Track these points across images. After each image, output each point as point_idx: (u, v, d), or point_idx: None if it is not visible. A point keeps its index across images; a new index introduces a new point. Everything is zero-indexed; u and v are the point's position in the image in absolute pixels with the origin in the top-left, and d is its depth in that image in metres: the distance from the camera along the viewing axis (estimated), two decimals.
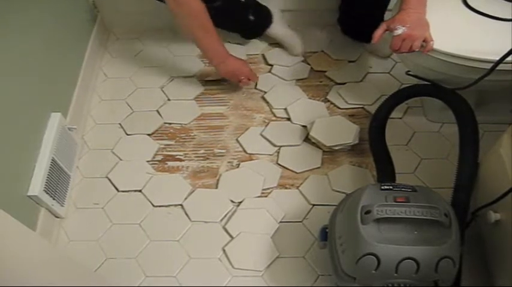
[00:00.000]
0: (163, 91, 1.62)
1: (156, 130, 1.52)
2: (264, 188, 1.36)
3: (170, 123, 1.53)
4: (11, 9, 1.17)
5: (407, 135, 1.45)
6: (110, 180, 1.40)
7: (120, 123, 1.53)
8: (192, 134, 1.50)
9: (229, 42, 1.71)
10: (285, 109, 1.53)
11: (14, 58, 1.17)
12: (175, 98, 1.60)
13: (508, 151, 1.02)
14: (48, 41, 1.36)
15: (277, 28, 1.67)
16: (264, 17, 1.65)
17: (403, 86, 1.54)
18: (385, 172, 1.23)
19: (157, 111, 1.56)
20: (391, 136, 1.31)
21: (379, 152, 1.27)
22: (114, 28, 1.83)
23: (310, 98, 1.57)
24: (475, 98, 1.36)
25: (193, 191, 1.36)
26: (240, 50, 1.70)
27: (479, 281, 1.15)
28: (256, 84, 1.62)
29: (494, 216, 1.04)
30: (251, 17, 1.60)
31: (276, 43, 1.73)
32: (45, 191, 1.20)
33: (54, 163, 1.25)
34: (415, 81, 1.30)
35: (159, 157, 1.45)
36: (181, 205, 1.34)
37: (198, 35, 1.39)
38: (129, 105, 1.59)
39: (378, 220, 0.95)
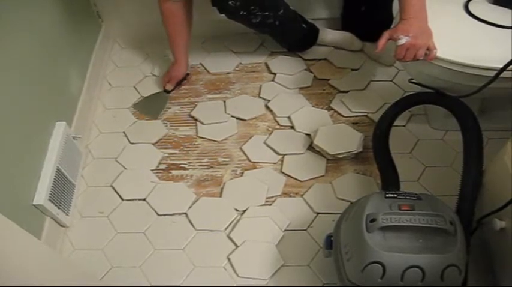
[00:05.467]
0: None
1: (160, 139, 1.52)
2: (268, 196, 1.36)
3: (174, 132, 1.54)
4: (15, 19, 1.18)
5: (411, 143, 1.46)
6: (114, 189, 1.40)
7: (124, 132, 1.54)
8: (196, 143, 1.51)
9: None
10: (289, 117, 1.54)
11: (19, 68, 1.18)
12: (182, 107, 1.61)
13: None
14: (53, 51, 1.37)
15: (327, 33, 1.71)
16: (312, 25, 1.69)
17: (407, 93, 1.54)
18: (390, 180, 1.22)
19: (162, 120, 1.57)
20: (395, 144, 1.31)
21: (383, 160, 1.27)
22: (118, 38, 1.84)
23: (313, 106, 1.57)
24: (479, 106, 1.36)
25: (198, 199, 1.37)
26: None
27: None
28: (259, 93, 1.63)
29: (499, 223, 1.03)
30: (304, 25, 1.65)
31: (280, 52, 1.74)
32: (50, 200, 1.20)
33: (59, 172, 1.26)
34: (419, 89, 1.31)
35: (163, 166, 1.45)
36: (185, 213, 1.34)
37: (166, 31, 1.56)
38: (133, 114, 1.60)
39: (383, 228, 0.95)
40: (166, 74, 1.66)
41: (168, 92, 1.64)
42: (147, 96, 1.65)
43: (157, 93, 1.65)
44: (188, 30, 1.57)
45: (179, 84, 1.65)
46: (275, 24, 1.54)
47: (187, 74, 1.67)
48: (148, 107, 1.61)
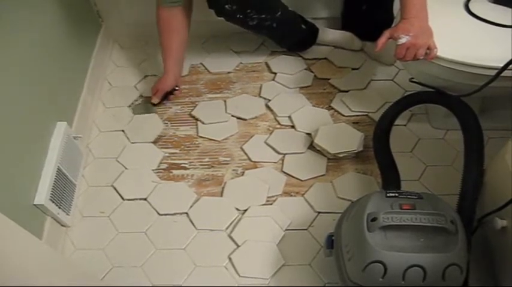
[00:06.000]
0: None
1: (161, 138, 1.52)
2: (269, 196, 1.36)
3: (175, 132, 1.54)
4: (15, 19, 1.18)
5: (411, 142, 1.46)
6: (115, 188, 1.40)
7: (124, 132, 1.54)
8: (197, 142, 1.51)
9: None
10: (289, 117, 1.54)
11: (20, 68, 1.18)
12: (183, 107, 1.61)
13: None
14: (54, 51, 1.37)
15: (327, 32, 1.71)
16: (312, 25, 1.69)
17: (407, 93, 1.54)
18: (390, 179, 1.22)
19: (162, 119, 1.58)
20: (395, 143, 1.31)
21: (384, 160, 1.27)
22: (119, 37, 1.84)
23: (314, 106, 1.57)
24: (479, 105, 1.36)
25: (199, 199, 1.37)
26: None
27: None
28: (260, 92, 1.63)
29: (500, 223, 1.03)
30: (303, 26, 1.65)
31: (280, 52, 1.74)
32: (51, 200, 1.20)
33: (59, 172, 1.26)
34: (419, 88, 1.31)
35: (164, 166, 1.45)
36: (186, 213, 1.34)
37: (160, 39, 1.55)
38: (134, 113, 1.60)
39: (384, 228, 0.95)
40: (154, 85, 1.61)
41: (154, 105, 1.60)
42: (136, 104, 1.62)
43: (145, 103, 1.62)
44: (183, 41, 1.55)
45: (166, 97, 1.60)
46: (272, 27, 1.54)
47: (176, 88, 1.60)
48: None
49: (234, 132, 1.52)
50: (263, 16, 1.50)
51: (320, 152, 1.44)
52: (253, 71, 1.71)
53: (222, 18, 1.50)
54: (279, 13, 1.52)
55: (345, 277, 1.02)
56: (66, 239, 1.30)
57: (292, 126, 1.52)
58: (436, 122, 1.48)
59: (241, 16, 1.47)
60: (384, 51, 1.23)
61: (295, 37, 1.69)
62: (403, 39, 1.14)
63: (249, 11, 1.46)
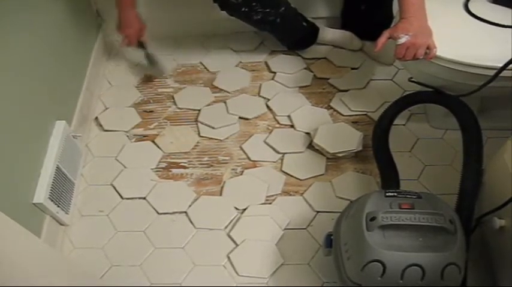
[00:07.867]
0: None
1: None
2: (268, 195, 1.36)
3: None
4: (15, 18, 1.18)
5: (410, 141, 1.46)
6: (114, 187, 1.40)
7: (124, 131, 1.54)
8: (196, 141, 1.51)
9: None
10: (289, 116, 1.54)
11: (19, 66, 1.18)
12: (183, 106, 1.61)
13: None
14: (53, 50, 1.37)
15: (327, 31, 1.71)
16: (313, 24, 1.69)
17: (406, 92, 1.54)
18: (390, 178, 1.23)
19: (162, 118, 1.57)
20: (394, 143, 1.31)
21: (383, 159, 1.27)
22: (118, 36, 1.83)
23: (313, 105, 1.58)
24: (479, 105, 1.36)
25: (198, 198, 1.37)
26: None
27: None
28: (259, 92, 1.63)
29: (499, 222, 1.03)
30: (304, 24, 1.66)
31: (280, 51, 1.74)
32: (50, 199, 1.20)
33: (59, 171, 1.26)
34: (418, 88, 1.31)
35: (163, 164, 1.45)
36: (185, 212, 1.34)
37: None
38: (135, 112, 1.60)
39: (383, 227, 0.95)
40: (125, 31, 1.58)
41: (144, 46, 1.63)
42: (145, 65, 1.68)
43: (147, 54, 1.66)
44: None
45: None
46: (276, 22, 1.54)
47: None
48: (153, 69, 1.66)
49: (234, 132, 1.52)
50: (267, 10, 1.50)
51: (319, 151, 1.44)
52: (253, 70, 1.71)
53: (222, 16, 1.51)
54: (283, 8, 1.53)
55: (344, 276, 1.02)
56: (64, 238, 1.30)
57: (292, 126, 1.52)
58: (435, 121, 1.48)
59: (246, 9, 1.48)
60: (383, 51, 1.23)
61: (297, 35, 1.69)
62: (403, 39, 1.14)
63: (254, 4, 1.47)
